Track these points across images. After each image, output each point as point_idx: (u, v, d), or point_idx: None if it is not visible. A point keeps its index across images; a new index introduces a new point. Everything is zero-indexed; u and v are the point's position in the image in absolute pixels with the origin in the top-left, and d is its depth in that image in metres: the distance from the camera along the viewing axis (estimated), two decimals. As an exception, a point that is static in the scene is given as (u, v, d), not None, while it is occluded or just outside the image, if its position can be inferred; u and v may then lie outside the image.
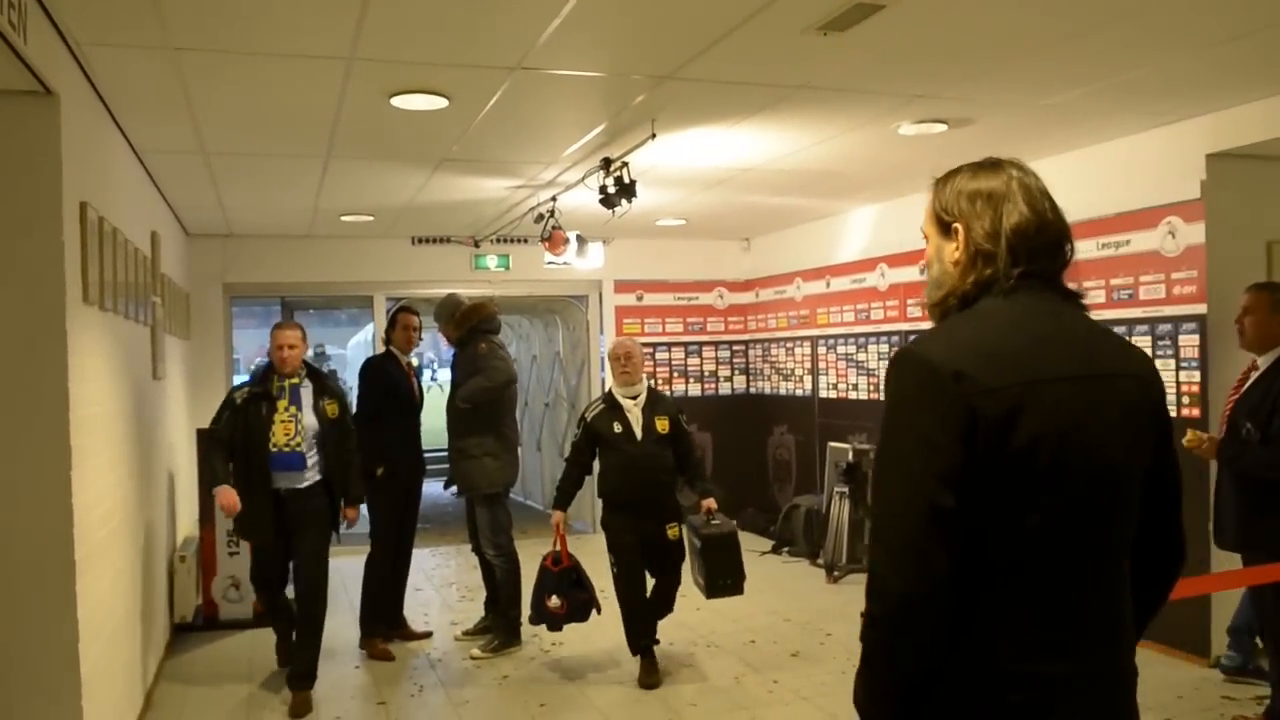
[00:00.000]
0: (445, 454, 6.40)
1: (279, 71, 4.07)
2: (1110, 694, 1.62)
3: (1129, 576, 1.68)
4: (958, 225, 1.71)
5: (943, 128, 5.19)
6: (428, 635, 6.22)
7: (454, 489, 6.04)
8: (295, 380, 5.14)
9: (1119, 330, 5.54)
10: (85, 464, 3.68)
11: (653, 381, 9.65)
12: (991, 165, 1.75)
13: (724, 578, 5.18)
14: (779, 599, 6.67)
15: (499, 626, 5.93)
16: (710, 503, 5.28)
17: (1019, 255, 1.65)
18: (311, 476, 5.11)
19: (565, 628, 5.44)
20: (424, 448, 6.41)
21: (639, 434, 5.22)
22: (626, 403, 5.30)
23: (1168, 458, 1.72)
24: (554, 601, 5.30)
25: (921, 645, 1.56)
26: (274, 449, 5.01)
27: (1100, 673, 1.59)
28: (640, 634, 5.34)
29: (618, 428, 5.24)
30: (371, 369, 6.16)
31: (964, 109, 4.89)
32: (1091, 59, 4.18)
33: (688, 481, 5.42)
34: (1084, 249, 5.82)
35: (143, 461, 5.22)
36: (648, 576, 5.39)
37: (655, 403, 5.36)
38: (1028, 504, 1.54)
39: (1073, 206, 6.22)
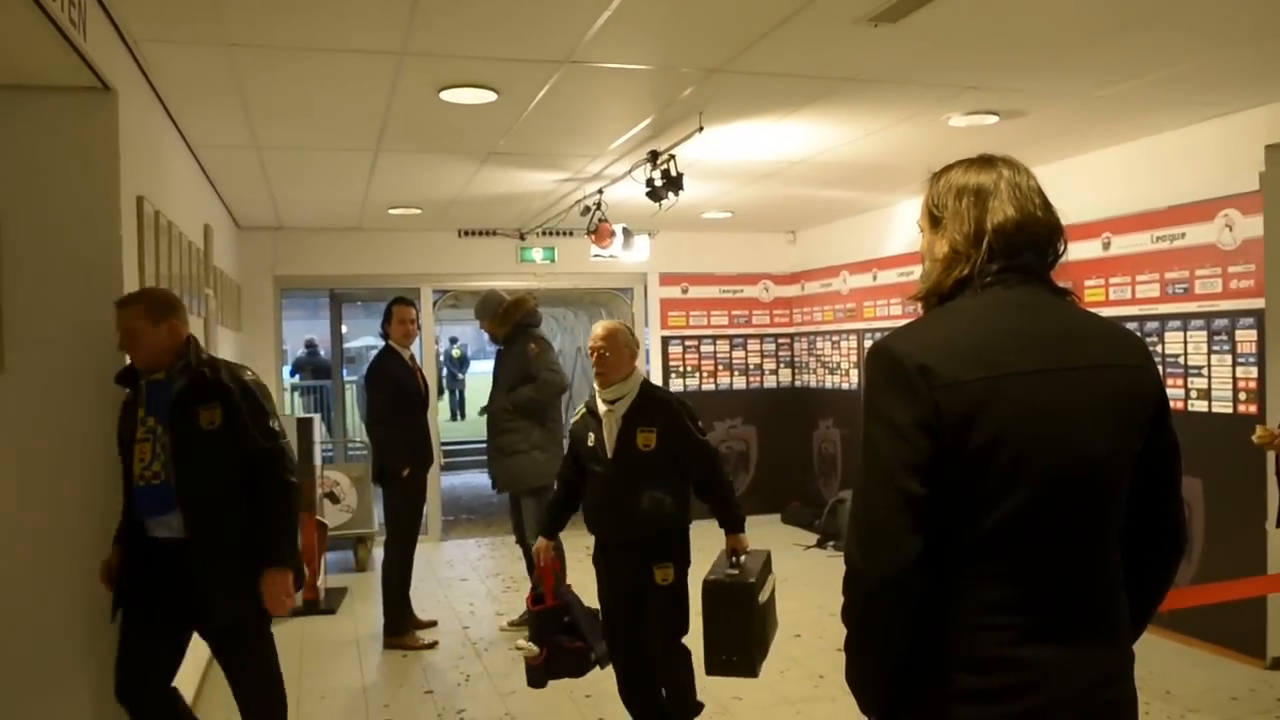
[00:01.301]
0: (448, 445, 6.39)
1: (331, 66, 4.11)
2: (1099, 679, 1.62)
3: (1120, 565, 1.69)
4: (945, 220, 1.76)
5: (994, 119, 5.12)
6: (433, 624, 6.27)
7: (496, 487, 6.07)
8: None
9: (1174, 325, 5.46)
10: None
11: (682, 377, 9.65)
12: (984, 162, 1.77)
13: (726, 649, 3.68)
14: (824, 594, 6.63)
15: (544, 617, 5.95)
16: (737, 540, 4.04)
17: (997, 252, 1.69)
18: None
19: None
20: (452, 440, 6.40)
21: (610, 451, 3.94)
22: (602, 407, 4.00)
23: (1161, 445, 1.72)
24: (527, 647, 4.16)
25: (894, 629, 1.62)
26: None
27: (1088, 659, 1.60)
28: (638, 714, 4.09)
29: (591, 440, 4.02)
30: (374, 371, 6.09)
31: (1016, 100, 4.83)
32: (1145, 50, 4.10)
33: (713, 513, 4.15)
34: (1138, 242, 5.74)
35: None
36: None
37: (643, 410, 3.95)
38: (997, 494, 1.57)
39: (1126, 199, 6.16)
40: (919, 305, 1.81)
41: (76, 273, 3.47)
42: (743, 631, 3.66)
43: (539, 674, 4.17)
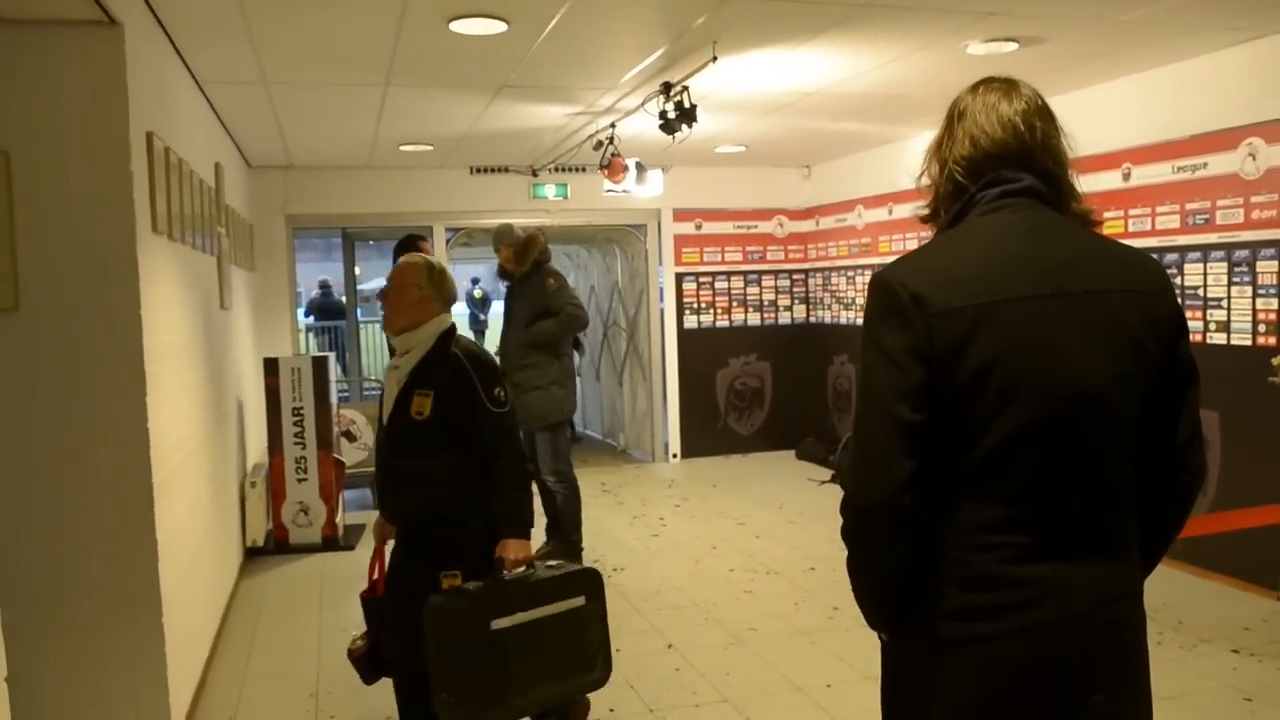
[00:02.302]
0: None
1: (338, -2, 4.04)
2: (1100, 598, 1.63)
3: (1130, 488, 1.69)
4: (935, 142, 1.79)
5: (1014, 46, 5.02)
6: None
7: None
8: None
9: (1193, 256, 5.40)
10: (159, 391, 3.77)
11: (696, 314, 9.65)
12: (975, 85, 1.77)
13: (444, 685, 2.86)
14: (838, 528, 6.68)
15: (560, 552, 6.01)
16: (504, 547, 3.10)
17: (974, 175, 1.70)
18: None
19: (628, 551, 5.43)
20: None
21: (385, 415, 3.27)
22: (397, 361, 3.29)
23: (1174, 371, 1.70)
24: (355, 641, 3.52)
25: (887, 549, 1.67)
26: None
27: (1088, 577, 1.62)
28: None
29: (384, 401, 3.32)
30: None
31: (1036, 26, 4.73)
32: (1173, -29, 4.00)
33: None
34: (1158, 172, 5.65)
35: (214, 389, 5.34)
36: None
37: (428, 368, 3.16)
38: (991, 418, 1.59)
39: (1147, 129, 6.08)
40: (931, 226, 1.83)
41: (87, 210, 3.45)
42: (461, 668, 2.85)
43: (363, 668, 3.47)
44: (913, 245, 8.31)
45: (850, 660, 4.48)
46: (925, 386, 1.59)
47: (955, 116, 1.76)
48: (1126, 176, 5.84)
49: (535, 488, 6.12)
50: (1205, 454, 1.79)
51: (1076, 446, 1.62)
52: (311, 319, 13.62)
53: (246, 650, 4.88)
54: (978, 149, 1.71)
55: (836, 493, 7.98)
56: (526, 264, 5.97)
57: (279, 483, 6.61)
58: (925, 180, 1.81)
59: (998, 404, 1.58)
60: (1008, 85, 1.75)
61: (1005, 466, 1.60)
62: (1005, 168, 1.70)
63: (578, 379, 7.41)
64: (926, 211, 1.81)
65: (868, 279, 8.42)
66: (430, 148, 7.80)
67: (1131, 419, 1.67)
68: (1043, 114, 1.73)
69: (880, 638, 1.83)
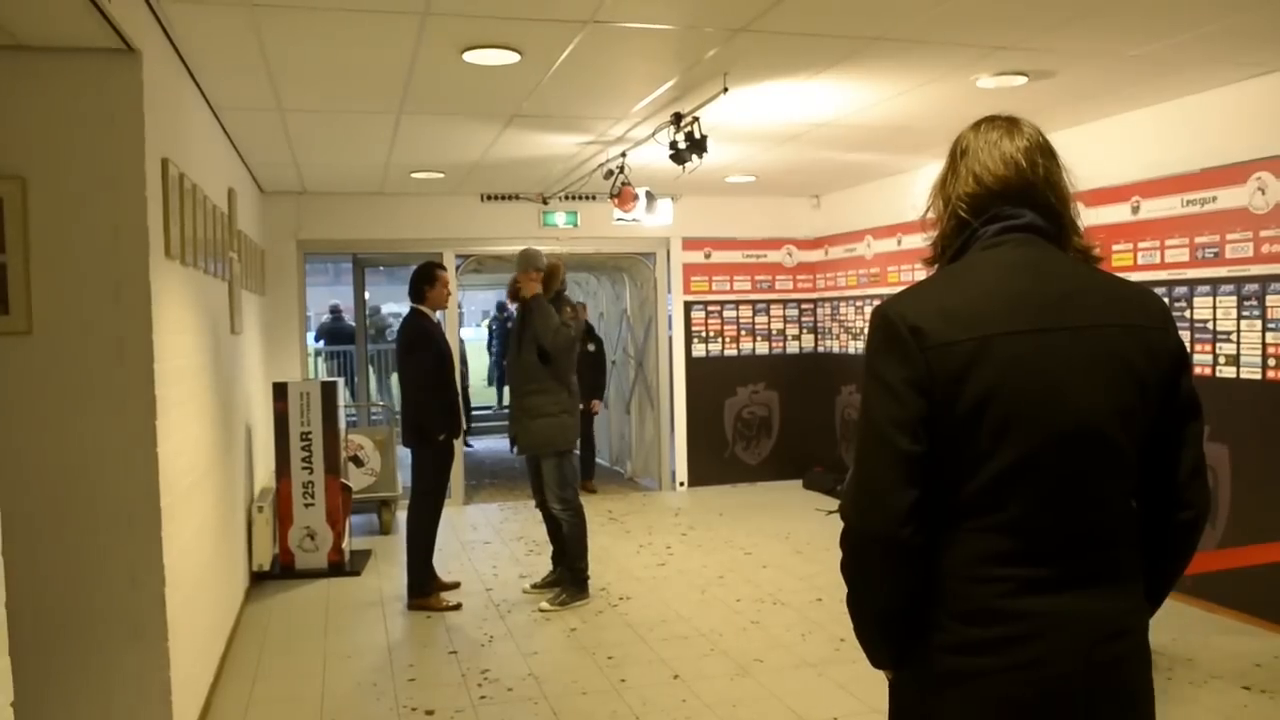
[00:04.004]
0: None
1: (353, 26, 4.08)
2: (1101, 634, 1.62)
3: (1133, 522, 1.70)
4: (940, 179, 1.81)
5: (1023, 80, 5.05)
6: (457, 585, 6.32)
7: (516, 448, 6.06)
8: None
9: (1203, 290, 5.39)
10: (169, 414, 3.78)
11: (705, 343, 9.67)
12: (979, 122, 1.80)
13: None
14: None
15: (566, 580, 6.00)
16: None
17: (977, 211, 1.72)
18: None
19: (634, 580, 5.43)
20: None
21: None
22: None
23: (1175, 406, 1.70)
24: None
25: (886, 582, 1.66)
26: None
27: (1089, 612, 1.61)
28: None
29: None
30: (414, 334, 5.95)
31: (1046, 60, 4.75)
32: (1179, 6, 4.02)
33: None
34: (1168, 206, 5.66)
35: (223, 413, 5.35)
36: None
37: None
38: (989, 450, 1.59)
39: (1156, 162, 6.09)
40: (933, 262, 1.85)
41: (102, 235, 3.48)
42: None
43: None
44: (921, 276, 8.30)
45: (857, 693, 4.45)
46: (924, 418, 1.60)
47: (958, 154, 1.78)
48: (1136, 209, 5.85)
49: (542, 515, 6.17)
50: (1209, 489, 1.77)
51: (1076, 480, 1.62)
52: (322, 344, 13.66)
53: (251, 676, 4.87)
54: (980, 185, 1.73)
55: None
56: (550, 292, 5.98)
57: (286, 508, 6.61)
58: (930, 215, 1.83)
59: (995, 436, 1.59)
60: (1010, 123, 1.77)
61: (1003, 499, 1.60)
62: (1007, 204, 1.71)
63: (604, 408, 7.38)
64: (932, 253, 1.83)
65: (876, 309, 8.43)
66: (442, 175, 7.85)
67: (1132, 454, 1.67)
68: (1044, 150, 1.74)
69: (886, 675, 1.81)
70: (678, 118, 5.55)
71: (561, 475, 5.95)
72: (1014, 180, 1.72)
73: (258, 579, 6.44)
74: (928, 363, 1.61)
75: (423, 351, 5.92)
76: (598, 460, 11.51)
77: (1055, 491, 1.61)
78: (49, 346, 3.44)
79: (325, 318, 14.91)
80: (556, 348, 5.82)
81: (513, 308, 6.43)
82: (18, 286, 3.42)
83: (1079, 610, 1.60)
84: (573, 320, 5.90)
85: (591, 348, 9.28)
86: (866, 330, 1.74)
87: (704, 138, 5.49)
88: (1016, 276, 1.67)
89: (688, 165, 5.65)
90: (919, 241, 8.26)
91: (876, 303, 8.73)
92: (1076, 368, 1.62)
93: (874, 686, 4.60)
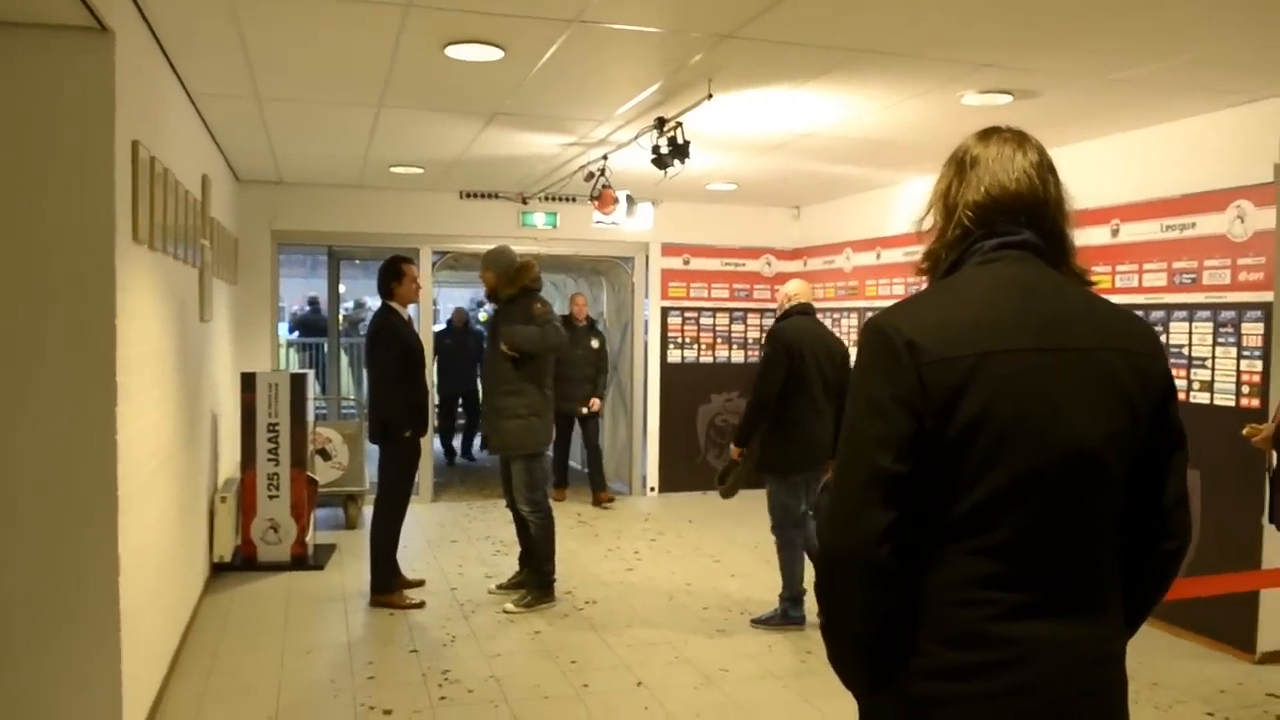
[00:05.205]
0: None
1: (335, 15, 4.01)
2: (1086, 660, 1.59)
3: (1116, 548, 1.66)
4: (936, 190, 1.77)
5: (1008, 99, 5.04)
6: (421, 583, 6.26)
7: (486, 449, 6.01)
8: None
9: (1179, 315, 5.41)
10: (131, 401, 3.70)
11: (680, 349, 9.63)
12: (984, 133, 1.76)
13: None
14: (811, 569, 6.64)
15: (532, 582, 5.94)
16: None
17: (984, 223, 1.68)
18: None
19: (601, 584, 5.38)
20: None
21: None
22: None
23: (1164, 435, 1.68)
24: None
25: (862, 605, 1.60)
26: None
27: (1074, 638, 1.58)
28: None
29: None
30: (382, 329, 5.89)
31: (1030, 80, 4.75)
32: (1166, 31, 4.02)
33: None
34: (1147, 230, 5.67)
35: (188, 402, 5.26)
36: None
37: None
38: (980, 471, 1.55)
39: (1137, 186, 6.08)
40: (926, 274, 1.80)
41: (67, 216, 3.40)
42: None
43: None
44: (900, 290, 8.36)
45: (822, 707, 4.42)
46: (911, 437, 1.55)
47: (965, 163, 1.74)
48: (1115, 233, 5.86)
49: (511, 515, 6.11)
50: (1190, 519, 1.75)
51: (1068, 504, 1.58)
52: (296, 335, 13.54)
53: (206, 669, 4.78)
54: (990, 197, 1.69)
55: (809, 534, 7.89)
56: (515, 288, 5.91)
57: (250, 499, 6.52)
58: (928, 224, 1.79)
59: (988, 457, 1.55)
60: (1020, 136, 1.74)
61: (993, 521, 1.56)
62: (1010, 220, 1.68)
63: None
64: (926, 265, 1.78)
65: (855, 322, 8.38)
66: (421, 170, 7.78)
67: (1122, 479, 1.64)
68: (1052, 169, 1.72)
69: (856, 699, 1.77)
70: (661, 122, 5.51)
71: (531, 477, 5.89)
72: (1026, 196, 1.68)
73: (218, 570, 6.35)
74: (921, 379, 1.56)
75: (390, 347, 5.85)
76: (571, 463, 11.44)
77: (1046, 515, 1.57)
78: (8, 326, 3.36)
79: (304, 309, 14.79)
80: (548, 348, 5.82)
81: (488, 308, 6.37)
82: (-21, 266, 3.33)
83: (1064, 637, 1.57)
84: (541, 314, 5.82)
85: (595, 344, 9.12)
86: (858, 343, 1.69)
87: (687, 143, 5.46)
88: (1015, 294, 1.64)
89: (669, 170, 5.62)
90: (899, 256, 8.28)
91: (854, 315, 8.71)
92: (1074, 390, 1.59)
93: (840, 700, 4.56)
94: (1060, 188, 1.73)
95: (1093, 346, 1.62)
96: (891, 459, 1.55)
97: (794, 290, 5.68)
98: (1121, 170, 5.87)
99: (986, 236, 1.68)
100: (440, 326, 10.90)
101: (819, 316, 5.83)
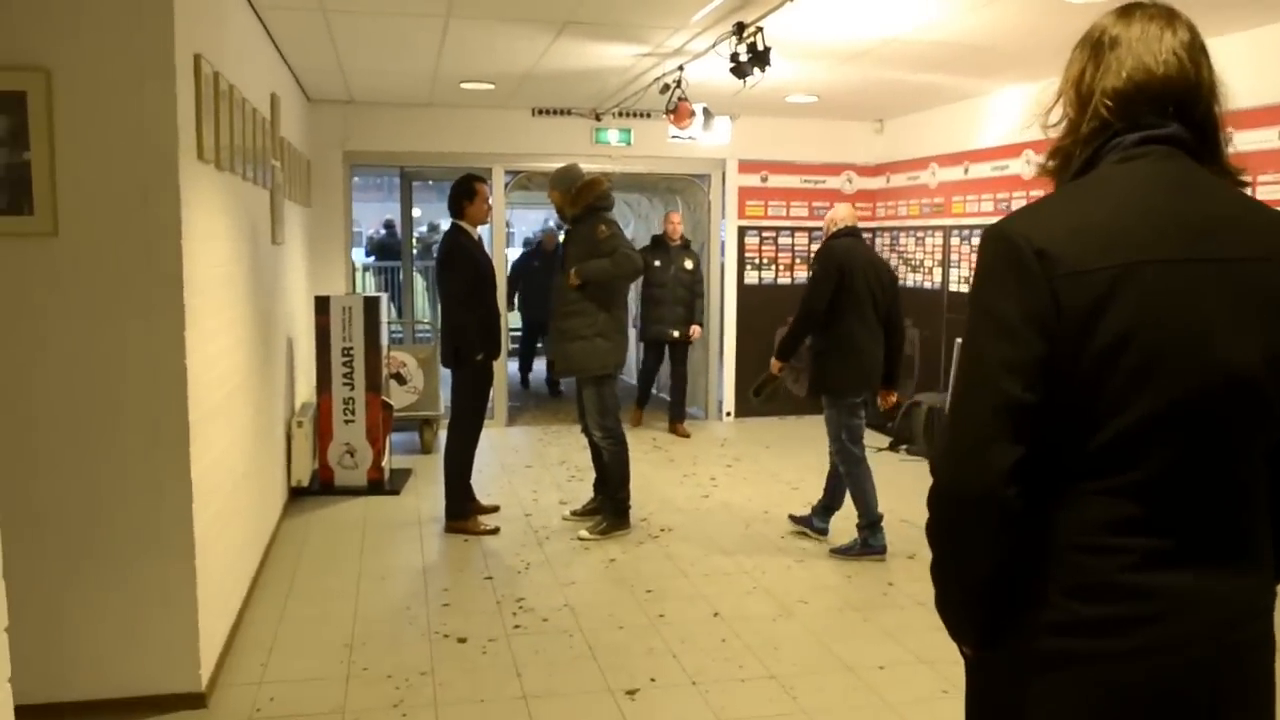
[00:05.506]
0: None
1: (398, -82, 3.82)
2: (1230, 616, 1.41)
3: (1267, 491, 1.46)
4: (1075, 74, 1.53)
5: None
6: (496, 509, 6.20)
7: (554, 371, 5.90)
8: None
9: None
10: (200, 325, 3.64)
11: (758, 269, 9.38)
12: (1123, 10, 1.52)
13: None
14: (896, 499, 6.40)
15: (607, 509, 5.86)
16: None
17: (1125, 114, 1.46)
18: None
19: (676, 511, 5.26)
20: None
21: None
22: None
23: None
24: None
25: (981, 551, 1.44)
26: None
27: (1219, 591, 1.40)
28: None
29: None
30: (453, 251, 5.74)
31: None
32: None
33: None
34: (1265, 139, 5.24)
35: (261, 326, 5.22)
36: None
37: None
38: (1122, 400, 1.36)
39: (1256, 90, 5.50)
40: (1052, 176, 1.57)
41: (129, 133, 3.31)
42: None
43: None
44: (989, 207, 7.99)
45: (904, 641, 4.27)
46: (1042, 361, 1.37)
47: (1103, 44, 1.49)
48: None
49: (586, 441, 6.02)
50: None
51: (1219, 438, 1.39)
52: (373, 259, 13.52)
53: (284, 593, 4.79)
54: (1133, 83, 1.45)
55: (894, 461, 7.72)
56: (579, 208, 5.73)
57: (326, 423, 6.52)
58: (1056, 116, 1.55)
59: (1131, 384, 1.36)
60: (1168, 12, 1.49)
61: (1134, 457, 1.37)
62: (1161, 108, 1.45)
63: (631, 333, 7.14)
64: (1054, 164, 1.55)
65: (939, 240, 8.01)
66: (492, 86, 7.58)
67: (1276, 408, 1.43)
68: (1204, 50, 1.48)
69: (962, 651, 1.60)
70: (740, 27, 5.23)
71: (602, 402, 5.76)
72: (1176, 81, 1.45)
73: (296, 494, 6.38)
74: (1054, 294, 1.36)
75: (461, 269, 5.72)
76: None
77: (1194, 450, 1.38)
78: (74, 250, 3.31)
79: (380, 232, 14.77)
80: (620, 278, 5.70)
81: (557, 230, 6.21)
82: (43, 186, 3.27)
83: (1211, 589, 1.39)
84: (608, 239, 5.63)
85: (689, 265, 8.75)
86: (977, 253, 1.48)
87: (767, 49, 5.17)
88: (1160, 196, 1.42)
89: (749, 79, 5.34)
90: (987, 171, 7.84)
91: (938, 233, 8.35)
92: (1229, 306, 1.38)
93: (923, 635, 4.44)
94: (1214, 73, 1.49)
95: (1250, 256, 1.41)
96: (1021, 387, 1.37)
97: (840, 214, 5.60)
98: (1242, 74, 5.35)
99: (1128, 130, 1.46)
100: (516, 251, 10.65)
101: (900, 235, 5.62)
